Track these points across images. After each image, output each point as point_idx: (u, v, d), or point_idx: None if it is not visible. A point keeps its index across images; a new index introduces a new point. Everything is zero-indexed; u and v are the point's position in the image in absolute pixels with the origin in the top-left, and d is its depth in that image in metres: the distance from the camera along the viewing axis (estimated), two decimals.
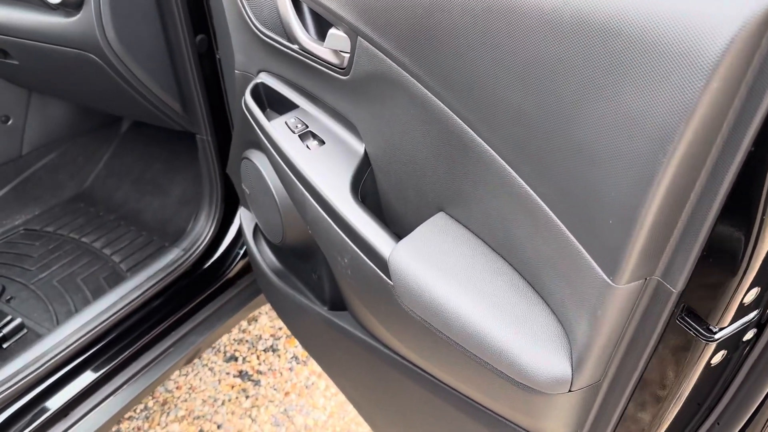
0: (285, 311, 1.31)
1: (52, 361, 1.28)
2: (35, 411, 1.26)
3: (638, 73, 0.41)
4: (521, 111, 0.53)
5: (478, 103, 0.59)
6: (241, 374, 1.85)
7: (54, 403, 1.27)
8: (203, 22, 1.29)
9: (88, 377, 1.36)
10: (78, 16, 1.24)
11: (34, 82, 1.69)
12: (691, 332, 0.50)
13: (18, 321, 1.46)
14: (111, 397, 1.34)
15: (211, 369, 1.87)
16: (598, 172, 0.47)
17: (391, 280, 0.73)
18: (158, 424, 1.71)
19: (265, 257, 1.33)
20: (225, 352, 1.92)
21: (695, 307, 0.49)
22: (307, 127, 0.93)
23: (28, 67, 1.51)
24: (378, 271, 0.75)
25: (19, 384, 1.23)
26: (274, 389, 1.81)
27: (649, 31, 0.40)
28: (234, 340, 1.97)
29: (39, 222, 1.88)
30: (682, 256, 0.47)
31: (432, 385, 0.82)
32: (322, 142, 0.91)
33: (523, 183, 0.57)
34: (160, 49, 1.32)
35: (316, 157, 0.88)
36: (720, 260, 0.46)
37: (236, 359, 1.90)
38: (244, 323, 2.02)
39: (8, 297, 1.61)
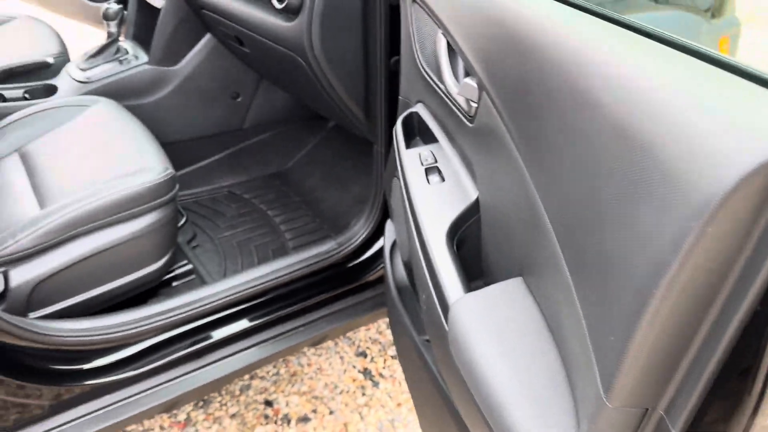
0: (394, 327, 1.36)
1: (205, 306, 1.49)
2: (181, 342, 1.48)
3: (655, 194, 0.39)
4: (572, 201, 0.52)
5: (549, 183, 0.58)
6: (365, 372, 1.95)
7: (200, 340, 1.48)
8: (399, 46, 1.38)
9: (232, 328, 1.55)
10: (294, 21, 1.41)
11: (260, 69, 1.96)
12: None
13: (189, 266, 1.71)
14: (247, 350, 1.52)
15: (341, 358, 2.00)
16: (609, 283, 0.44)
17: (447, 326, 0.74)
18: (282, 391, 1.88)
19: (395, 271, 1.39)
20: (358, 347, 2.04)
21: None
22: (436, 162, 0.96)
23: (256, 56, 1.75)
24: (441, 314, 0.76)
25: (173, 318, 1.45)
26: (389, 396, 1.88)
27: (669, 156, 0.37)
28: (370, 338, 2.07)
29: (241, 188, 2.17)
30: (684, 394, 0.43)
31: None
32: (443, 180, 0.94)
33: (567, 271, 0.55)
34: (356, 62, 1.45)
35: (431, 191, 0.92)
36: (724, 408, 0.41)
37: (365, 356, 2.00)
38: (382, 326, 2.12)
39: (195, 244, 1.89)
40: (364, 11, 1.38)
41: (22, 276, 1.36)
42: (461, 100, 0.86)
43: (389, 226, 1.48)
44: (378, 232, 1.68)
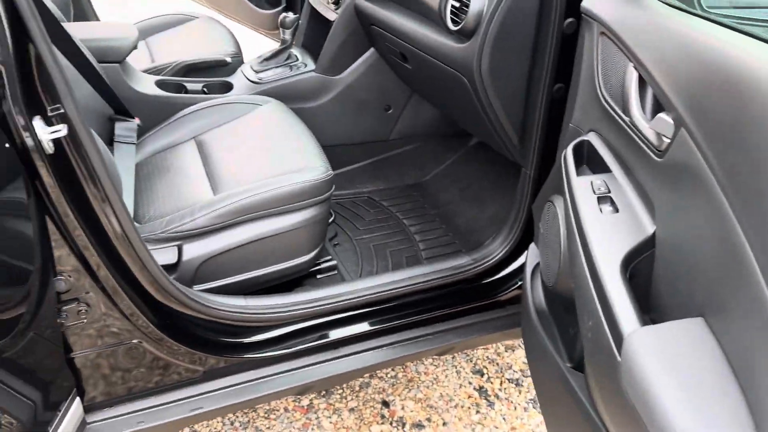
0: (532, 350, 1.37)
1: (346, 302, 1.58)
2: (317, 333, 1.57)
3: None
4: None
5: (762, 226, 0.59)
6: (481, 390, 1.97)
7: (333, 333, 1.57)
8: (566, 74, 1.40)
9: (365, 326, 1.62)
10: (466, 44, 1.48)
11: (416, 85, 2.04)
12: None
13: (334, 262, 1.82)
14: (377, 350, 1.59)
15: (458, 372, 2.03)
16: None
17: (620, 356, 0.75)
18: (398, 395, 1.94)
19: (534, 295, 1.41)
20: (475, 364, 2.06)
21: None
22: (609, 192, 0.98)
23: (416, 73, 1.84)
24: (612, 343, 0.78)
25: (317, 308, 1.55)
26: (503, 418, 1.88)
27: None
28: (487, 357, 2.08)
29: (380, 195, 2.27)
30: None
31: None
32: (616, 210, 0.95)
33: None
34: (519, 87, 1.49)
35: (604, 221, 0.93)
36: None
37: (482, 375, 2.02)
38: (500, 347, 2.12)
39: (336, 242, 2.00)
40: (535, 38, 1.42)
41: (193, 251, 1.51)
42: (650, 134, 0.87)
43: (533, 249, 1.50)
44: (515, 253, 1.69)
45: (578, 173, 1.08)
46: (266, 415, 1.87)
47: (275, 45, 2.84)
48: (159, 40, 2.43)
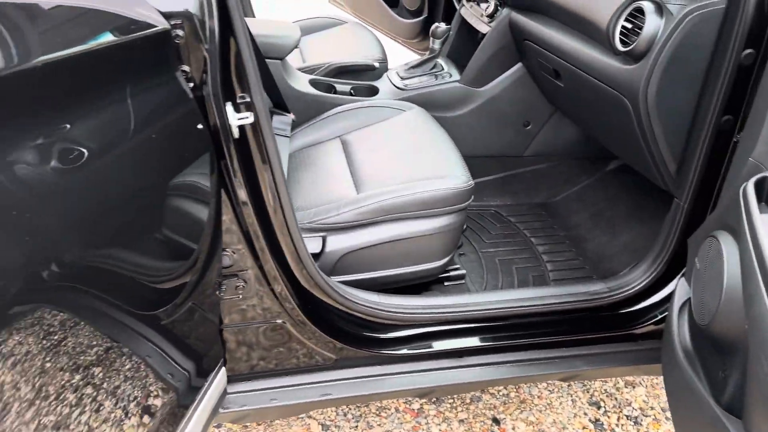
0: (675, 389, 1.31)
1: (474, 312, 1.59)
2: (444, 339, 1.58)
3: None
4: None
5: None
6: (596, 423, 1.90)
7: (460, 342, 1.58)
8: (736, 106, 1.34)
9: (489, 339, 1.62)
10: (633, 66, 1.44)
11: (564, 103, 2.01)
12: None
13: (463, 271, 1.83)
14: (498, 365, 1.58)
15: (573, 401, 1.97)
16: None
17: None
18: (510, 414, 1.92)
19: (680, 332, 1.34)
20: (592, 395, 1.99)
21: None
22: None
23: (568, 91, 1.81)
24: None
25: (445, 313, 1.57)
26: None
27: None
28: (605, 390, 2.01)
29: (507, 210, 2.26)
30: None
31: None
32: None
33: None
34: (684, 115, 1.44)
35: None
36: None
37: (599, 407, 1.95)
38: (620, 382, 2.04)
39: (462, 252, 2.01)
40: (709, 67, 1.36)
41: (336, 244, 1.58)
42: None
43: (682, 284, 1.43)
44: (656, 286, 1.63)
45: (760, 211, 1.03)
46: (377, 412, 1.91)
47: (412, 54, 2.92)
48: (310, 42, 2.55)
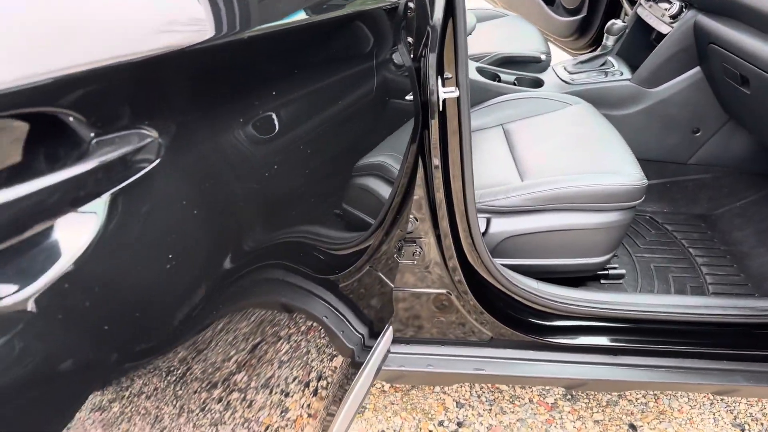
0: None
1: (632, 312, 1.57)
2: (598, 335, 1.58)
3: None
4: None
5: None
6: None
7: (614, 339, 1.57)
8: None
9: (644, 341, 1.59)
10: None
11: (745, 113, 1.92)
12: None
13: (622, 271, 1.81)
14: (651, 369, 1.56)
15: (715, 420, 1.90)
16: None
17: None
18: (648, 422, 1.88)
19: None
20: (736, 417, 1.90)
21: None
22: None
23: (754, 99, 1.73)
24: None
25: (602, 309, 1.56)
26: None
27: None
28: (751, 414, 1.92)
29: (663, 218, 2.19)
30: None
31: None
32: None
33: None
34: None
35: None
36: None
37: (743, 430, 1.86)
38: (767, 407, 1.94)
39: (614, 254, 1.98)
40: None
41: (499, 226, 1.61)
42: None
43: None
44: None
45: None
46: (511, 400, 1.93)
47: (564, 53, 2.88)
48: (475, 31, 2.59)
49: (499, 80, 2.21)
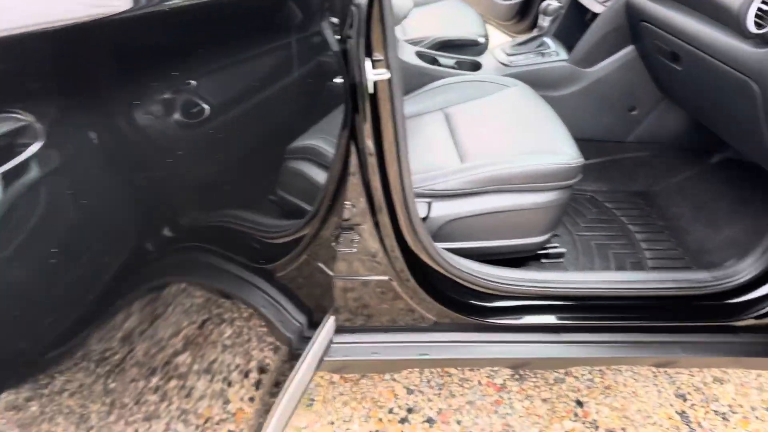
0: None
1: (572, 290, 1.58)
2: (540, 314, 1.59)
3: None
4: None
5: None
6: (682, 414, 1.87)
7: (556, 317, 1.59)
8: None
9: (584, 318, 1.61)
10: (766, 49, 1.40)
11: (677, 89, 1.97)
12: None
13: (562, 249, 1.82)
14: (593, 344, 1.58)
15: (659, 391, 1.94)
16: None
17: None
18: (593, 398, 1.91)
19: None
20: (678, 388, 1.96)
21: None
22: None
23: (686, 75, 1.77)
24: None
25: (544, 288, 1.57)
26: None
27: None
28: (693, 384, 1.97)
29: (603, 196, 2.22)
30: None
31: None
32: None
33: None
34: None
35: None
36: None
37: (685, 400, 1.92)
38: (708, 378, 2.00)
39: (556, 233, 2.00)
40: None
41: (440, 210, 1.60)
42: None
43: None
44: (763, 279, 1.58)
45: None
46: (460, 383, 1.94)
47: (504, 36, 2.89)
48: (412, 16, 2.57)
49: (438, 64, 2.20)
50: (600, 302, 1.63)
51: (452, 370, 1.98)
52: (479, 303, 1.55)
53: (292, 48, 1.07)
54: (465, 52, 2.31)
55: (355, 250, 1.37)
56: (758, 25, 1.43)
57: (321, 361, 1.38)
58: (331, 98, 1.18)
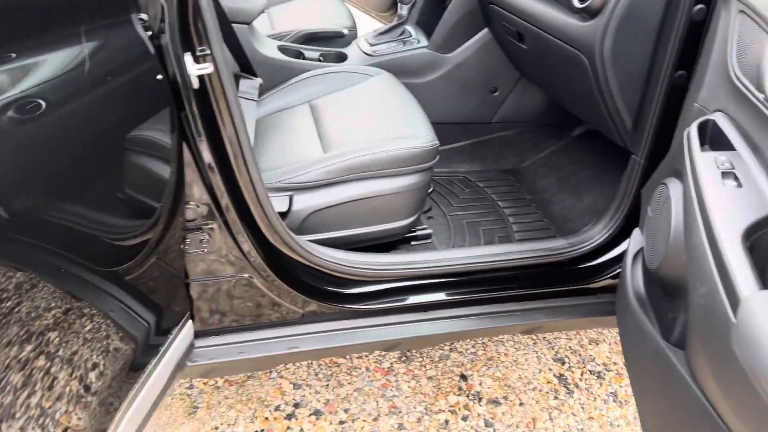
0: (628, 333, 1.37)
1: (438, 268, 1.62)
2: (409, 294, 1.62)
3: None
4: None
5: None
6: (560, 377, 1.96)
7: (425, 296, 1.62)
8: (689, 61, 1.38)
9: (453, 294, 1.66)
10: (589, 23, 1.48)
11: (529, 66, 2.05)
12: None
13: (429, 231, 1.87)
14: (462, 318, 1.63)
15: (539, 357, 2.03)
16: None
17: (735, 318, 0.76)
18: (476, 371, 1.97)
19: (634, 280, 1.40)
20: (557, 352, 2.05)
21: None
22: (733, 168, 0.97)
23: (532, 54, 1.85)
24: (727, 306, 0.78)
25: (410, 269, 1.60)
26: (581, 407, 1.87)
27: None
28: (569, 347, 2.07)
29: (476, 176, 2.29)
30: None
31: None
32: (739, 185, 0.94)
33: None
34: (639, 70, 1.48)
35: (726, 194, 0.93)
36: None
37: (563, 363, 2.01)
38: (584, 339, 2.10)
39: (430, 215, 2.05)
40: (662, 23, 1.40)
41: (303, 203, 1.60)
42: None
43: (636, 234, 1.49)
44: (613, 242, 1.68)
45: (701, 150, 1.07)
46: (348, 372, 1.95)
47: (382, 26, 2.92)
48: (280, 10, 2.55)
49: (303, 58, 2.19)
50: (466, 277, 1.68)
51: (341, 360, 1.99)
52: (345, 290, 1.56)
53: (108, 44, 1.04)
54: (332, 44, 2.32)
55: (205, 250, 1.35)
56: (581, 1, 1.51)
57: (181, 366, 1.34)
58: (155, 96, 1.15)
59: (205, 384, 1.88)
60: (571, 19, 1.55)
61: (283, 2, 2.65)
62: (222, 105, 1.22)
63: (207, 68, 1.15)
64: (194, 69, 1.14)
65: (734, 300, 0.77)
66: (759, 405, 0.71)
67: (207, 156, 1.23)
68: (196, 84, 1.16)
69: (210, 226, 1.32)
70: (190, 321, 1.39)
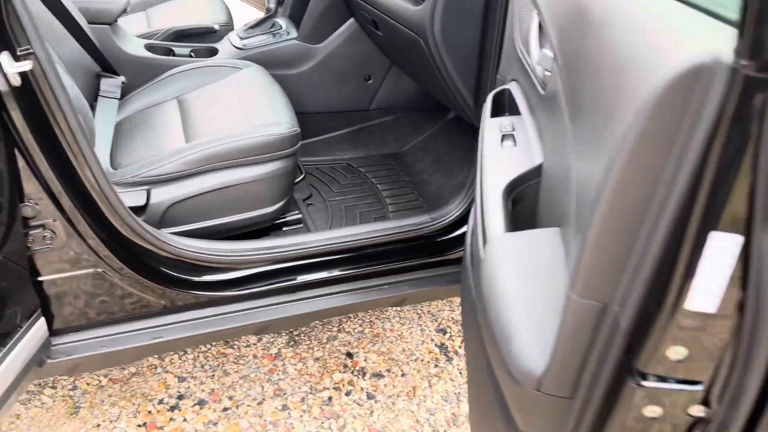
0: (462, 288, 1.45)
1: (304, 249, 1.68)
2: (276, 278, 1.67)
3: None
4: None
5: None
6: (442, 346, 2.05)
7: (292, 278, 1.67)
8: None
9: (324, 273, 1.72)
10: (421, 6, 1.56)
11: (388, 52, 2.13)
12: (625, 371, 0.51)
13: (299, 216, 1.92)
14: (334, 295, 1.69)
15: (422, 330, 2.12)
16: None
17: (483, 255, 0.84)
18: (363, 347, 2.04)
19: (473, 246, 1.49)
20: (439, 323, 2.15)
21: (632, 345, 0.51)
22: (513, 130, 1.06)
23: (387, 40, 1.92)
24: (481, 245, 0.87)
25: (274, 254, 1.65)
26: (460, 372, 1.97)
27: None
28: (452, 318, 2.17)
29: (357, 162, 2.36)
30: (632, 290, 0.50)
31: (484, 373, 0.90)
32: (515, 145, 1.03)
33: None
34: (471, 49, 1.57)
35: (500, 154, 1.02)
36: (651, 308, 0.48)
37: (445, 333, 2.11)
38: None
39: (310, 202, 2.10)
40: (486, 2, 1.49)
41: (161, 196, 1.63)
42: (539, 70, 0.95)
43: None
44: (468, 216, 1.77)
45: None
46: (236, 361, 1.98)
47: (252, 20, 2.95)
48: (158, 10, 2.55)
49: (174, 55, 2.20)
50: (334, 257, 1.74)
51: (228, 350, 2.02)
52: (208, 278, 1.60)
53: None
54: (204, 40, 2.34)
55: (51, 247, 1.36)
56: None
57: (32, 364, 1.35)
58: None
59: (88, 384, 1.88)
60: (406, 3, 1.63)
61: (162, 2, 2.65)
62: (51, 101, 1.23)
63: (24, 66, 1.16)
64: (12, 67, 1.15)
65: (486, 240, 0.86)
66: (488, 336, 0.79)
67: (37, 153, 1.24)
68: (16, 82, 1.17)
69: (53, 222, 1.33)
70: (42, 318, 1.40)
